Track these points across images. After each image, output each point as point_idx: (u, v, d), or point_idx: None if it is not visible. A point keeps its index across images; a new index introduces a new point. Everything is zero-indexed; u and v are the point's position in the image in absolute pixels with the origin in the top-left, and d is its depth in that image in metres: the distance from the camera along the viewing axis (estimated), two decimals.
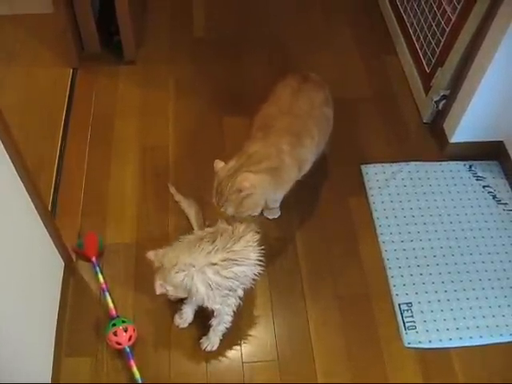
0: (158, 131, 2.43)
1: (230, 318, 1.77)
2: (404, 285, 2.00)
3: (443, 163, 2.36)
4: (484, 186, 2.29)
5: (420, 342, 1.88)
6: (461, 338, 1.89)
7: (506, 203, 2.24)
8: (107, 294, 1.91)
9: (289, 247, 2.10)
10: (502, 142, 2.35)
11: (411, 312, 1.94)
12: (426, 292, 1.99)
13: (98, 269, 1.96)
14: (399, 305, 1.95)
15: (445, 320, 1.92)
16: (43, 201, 1.74)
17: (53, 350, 1.78)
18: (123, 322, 1.80)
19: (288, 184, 1.94)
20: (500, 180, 2.31)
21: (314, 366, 1.82)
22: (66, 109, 2.47)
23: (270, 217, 2.16)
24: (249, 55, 2.76)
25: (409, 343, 1.88)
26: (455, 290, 1.99)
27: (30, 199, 1.63)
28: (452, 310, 1.95)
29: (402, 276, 2.02)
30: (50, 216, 1.82)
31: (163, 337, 1.86)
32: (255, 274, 1.74)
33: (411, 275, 2.02)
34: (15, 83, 2.55)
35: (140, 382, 1.73)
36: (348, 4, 3.05)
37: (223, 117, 2.48)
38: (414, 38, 2.60)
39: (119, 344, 1.77)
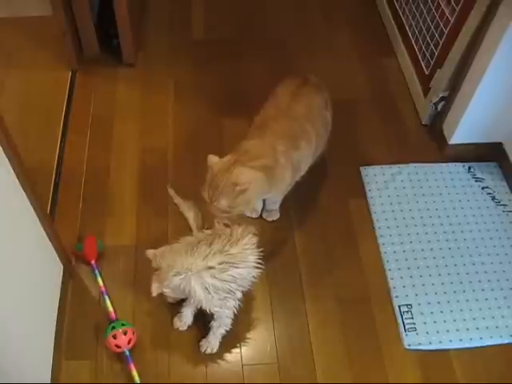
0: (157, 133, 2.43)
1: (229, 321, 1.77)
2: (404, 286, 2.00)
3: (442, 165, 2.36)
4: (483, 188, 2.30)
5: (420, 344, 1.88)
6: (461, 340, 1.89)
7: (505, 204, 2.25)
8: (106, 297, 1.90)
9: (288, 249, 2.10)
10: (500, 143, 2.35)
11: (411, 314, 1.94)
12: (426, 293, 1.99)
13: (97, 272, 1.96)
14: (399, 306, 1.95)
15: (445, 321, 1.92)
16: (42, 204, 1.74)
17: (52, 353, 1.77)
18: (123, 324, 1.80)
19: (282, 184, 1.94)
20: (499, 181, 2.32)
21: (314, 368, 1.82)
22: (65, 111, 2.47)
23: (269, 219, 2.15)
24: (248, 57, 2.76)
25: (409, 345, 1.87)
26: (455, 292, 1.99)
27: (28, 202, 1.63)
28: (452, 311, 1.95)
29: (401, 278, 2.02)
30: (49, 219, 1.82)
31: (163, 340, 1.86)
32: (254, 277, 1.74)
33: (411, 277, 2.02)
34: (14, 86, 2.55)
35: None
36: (347, 6, 3.06)
37: (223, 119, 2.48)
38: (413, 40, 2.60)
39: (118, 347, 1.77)
